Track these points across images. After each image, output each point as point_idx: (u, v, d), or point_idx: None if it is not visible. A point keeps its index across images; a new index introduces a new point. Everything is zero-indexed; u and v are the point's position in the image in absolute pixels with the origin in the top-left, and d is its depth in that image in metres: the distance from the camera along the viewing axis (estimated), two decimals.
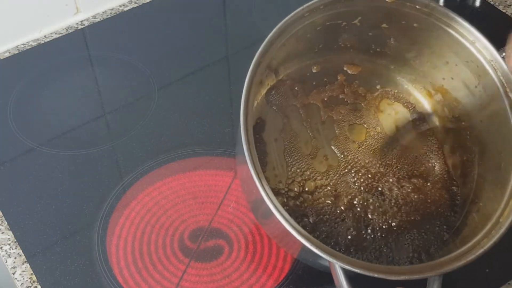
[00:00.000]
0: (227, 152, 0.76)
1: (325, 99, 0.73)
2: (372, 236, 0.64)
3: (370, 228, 0.65)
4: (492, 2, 0.94)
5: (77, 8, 0.93)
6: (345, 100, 0.73)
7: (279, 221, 0.54)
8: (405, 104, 0.73)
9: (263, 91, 0.70)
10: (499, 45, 0.67)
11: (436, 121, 0.72)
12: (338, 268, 0.54)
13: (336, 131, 0.71)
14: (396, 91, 0.73)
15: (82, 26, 0.92)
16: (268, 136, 0.69)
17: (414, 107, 0.73)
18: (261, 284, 0.65)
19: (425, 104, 0.73)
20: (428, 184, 0.68)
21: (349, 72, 0.74)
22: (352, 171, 0.69)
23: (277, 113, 0.71)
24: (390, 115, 0.73)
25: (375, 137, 0.71)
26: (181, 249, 0.68)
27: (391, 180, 0.68)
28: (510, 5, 0.94)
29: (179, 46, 0.90)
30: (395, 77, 0.74)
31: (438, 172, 0.69)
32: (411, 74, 0.73)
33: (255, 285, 0.65)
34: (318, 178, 0.68)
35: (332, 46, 0.72)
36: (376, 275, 0.53)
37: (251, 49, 0.89)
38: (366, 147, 0.71)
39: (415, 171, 0.69)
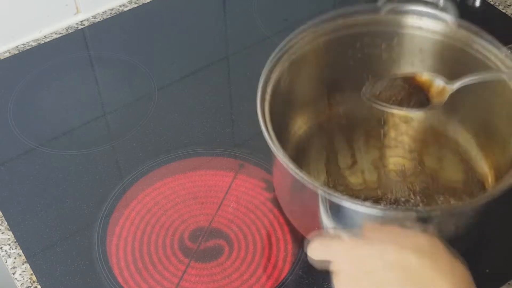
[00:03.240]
0: (227, 152, 0.76)
1: (372, 133, 0.74)
2: None
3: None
4: (492, 2, 0.94)
5: (77, 8, 0.93)
6: (394, 132, 0.74)
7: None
8: (455, 152, 0.71)
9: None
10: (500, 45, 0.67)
11: (486, 169, 0.70)
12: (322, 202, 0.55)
13: (377, 156, 0.72)
14: (447, 138, 0.72)
15: (82, 26, 0.92)
16: (311, 146, 0.72)
17: (464, 158, 0.71)
18: (261, 284, 0.65)
19: (477, 157, 0.70)
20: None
21: (401, 117, 0.74)
22: (386, 191, 0.70)
23: (324, 132, 0.74)
24: (440, 159, 0.72)
25: (414, 171, 0.71)
26: (181, 249, 0.68)
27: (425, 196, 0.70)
28: (510, 5, 0.94)
29: (179, 46, 0.90)
30: (448, 124, 0.72)
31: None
32: (462, 121, 0.72)
33: (255, 285, 0.65)
34: (351, 187, 0.70)
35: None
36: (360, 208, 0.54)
37: (251, 49, 0.90)
38: (401, 175, 0.71)
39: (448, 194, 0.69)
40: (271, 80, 0.65)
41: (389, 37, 0.69)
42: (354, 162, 0.72)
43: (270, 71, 0.65)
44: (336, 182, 0.71)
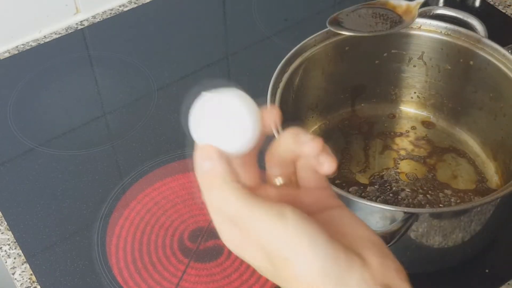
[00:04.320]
0: None
1: (390, 143, 0.75)
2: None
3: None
4: (492, 2, 0.94)
5: (77, 8, 0.93)
6: (410, 144, 0.75)
7: None
8: (470, 162, 0.73)
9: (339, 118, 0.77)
10: (500, 45, 0.67)
11: (497, 180, 0.71)
12: None
13: (390, 164, 0.73)
14: (464, 150, 0.74)
15: (82, 26, 0.92)
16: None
17: (479, 168, 0.72)
18: (261, 284, 0.65)
19: (490, 168, 0.72)
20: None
21: (423, 127, 0.76)
22: (397, 191, 0.70)
23: (342, 137, 0.76)
24: (451, 165, 0.72)
25: (426, 178, 0.71)
26: (180, 249, 0.68)
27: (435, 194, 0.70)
28: (510, 5, 0.94)
29: (179, 46, 0.90)
30: (466, 137, 0.75)
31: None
32: (479, 135, 0.74)
33: (255, 285, 0.65)
34: (362, 187, 0.70)
35: (408, 98, 0.77)
36: None
37: (251, 49, 0.90)
38: (413, 182, 0.71)
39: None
40: (283, 79, 0.66)
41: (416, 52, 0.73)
42: (367, 167, 0.72)
43: (283, 69, 0.66)
44: (344, 180, 0.71)
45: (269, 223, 0.34)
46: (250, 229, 0.35)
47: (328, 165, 0.36)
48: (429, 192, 0.69)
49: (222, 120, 0.36)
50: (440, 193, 0.69)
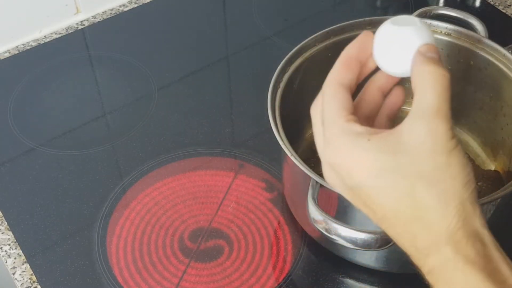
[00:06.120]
0: (227, 152, 0.76)
1: None
2: None
3: None
4: (492, 2, 0.94)
5: (77, 8, 0.93)
6: None
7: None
8: (470, 162, 0.73)
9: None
10: (500, 45, 0.67)
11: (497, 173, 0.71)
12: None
13: None
14: (465, 150, 0.73)
15: (82, 26, 0.92)
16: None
17: (480, 168, 0.72)
18: (261, 284, 0.65)
19: (490, 168, 0.72)
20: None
21: None
22: None
23: None
24: None
25: None
26: (181, 249, 0.68)
27: None
28: (510, 5, 0.94)
29: (179, 46, 0.90)
30: (466, 137, 0.75)
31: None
32: (479, 135, 0.73)
33: (255, 285, 0.65)
34: None
35: (409, 98, 0.75)
36: None
37: (251, 49, 0.90)
38: None
39: None
40: (283, 79, 0.65)
41: None
42: None
43: (283, 70, 0.66)
44: None
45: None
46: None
47: None
48: None
49: (395, 47, 0.43)
50: None
